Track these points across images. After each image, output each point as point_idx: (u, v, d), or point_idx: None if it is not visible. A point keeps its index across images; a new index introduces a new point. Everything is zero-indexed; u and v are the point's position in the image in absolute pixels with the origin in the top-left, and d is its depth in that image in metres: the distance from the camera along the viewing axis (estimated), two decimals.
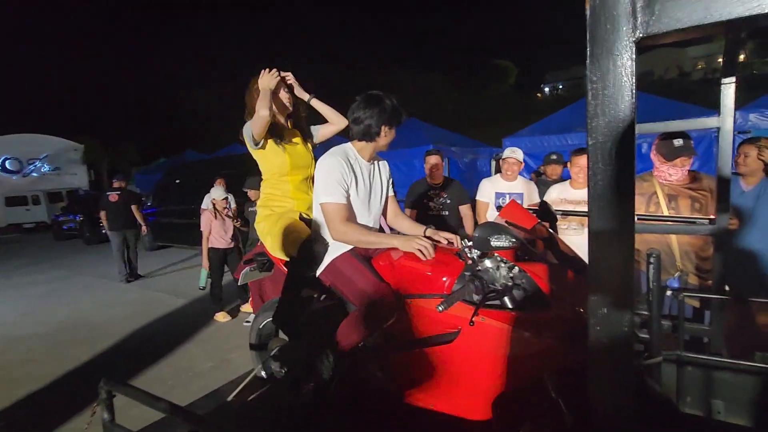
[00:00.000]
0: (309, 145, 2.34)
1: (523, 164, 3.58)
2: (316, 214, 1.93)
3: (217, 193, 4.64)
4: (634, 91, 0.52)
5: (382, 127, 1.82)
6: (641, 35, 0.50)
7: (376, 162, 2.03)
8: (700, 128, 2.06)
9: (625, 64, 0.52)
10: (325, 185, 1.80)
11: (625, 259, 0.58)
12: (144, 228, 7.01)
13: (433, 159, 3.72)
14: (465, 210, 3.77)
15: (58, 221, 13.38)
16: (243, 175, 4.91)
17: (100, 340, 4.15)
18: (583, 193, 2.98)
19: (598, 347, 0.65)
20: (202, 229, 4.61)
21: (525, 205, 3.37)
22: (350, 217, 1.86)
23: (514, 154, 3.49)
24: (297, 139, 2.26)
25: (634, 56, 0.51)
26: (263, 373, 2.40)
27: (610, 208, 0.55)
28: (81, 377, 3.43)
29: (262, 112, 1.94)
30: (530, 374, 1.44)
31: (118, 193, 6.75)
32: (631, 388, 0.74)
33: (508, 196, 3.47)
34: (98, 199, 7.65)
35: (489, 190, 3.58)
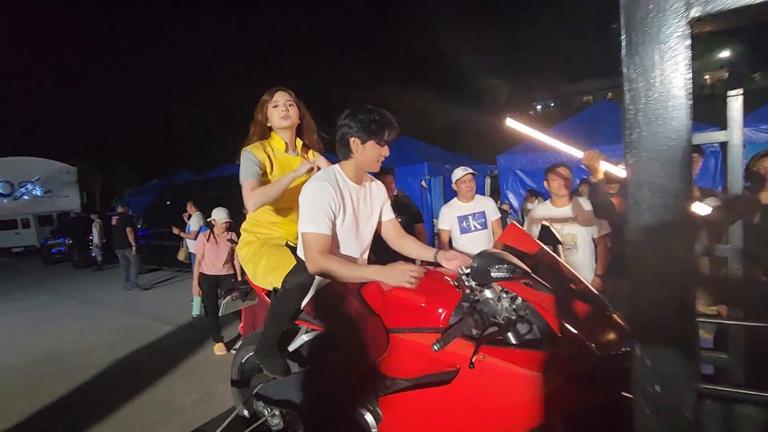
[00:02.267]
0: (308, 174, 2.19)
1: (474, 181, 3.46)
2: (300, 243, 1.78)
3: (218, 214, 4.32)
4: (690, 92, 0.39)
5: (351, 140, 1.68)
6: (698, 14, 0.37)
7: (368, 184, 1.88)
8: (707, 143, 1.95)
9: (676, 56, 0.38)
10: (309, 213, 1.65)
11: (686, 319, 0.43)
12: (134, 249, 7.86)
13: (388, 179, 3.59)
14: (419, 228, 3.66)
15: (47, 245, 13.10)
16: (232, 196, 4.76)
17: (79, 372, 3.91)
18: (566, 210, 2.88)
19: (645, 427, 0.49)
20: (194, 251, 4.34)
21: (489, 222, 3.30)
22: (332, 248, 1.71)
23: (467, 171, 3.36)
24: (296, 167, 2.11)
25: (689, 44, 0.38)
26: (246, 412, 2.21)
27: (661, 251, 0.41)
28: (55, 414, 3.20)
29: (271, 195, 1.85)
30: (538, 418, 1.28)
31: (117, 217, 8.15)
32: None
33: (470, 217, 3.34)
34: (90, 221, 8.66)
35: (449, 216, 3.41)
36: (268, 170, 2.00)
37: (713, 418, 1.76)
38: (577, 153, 2.10)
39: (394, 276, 1.56)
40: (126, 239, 7.75)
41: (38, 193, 22.09)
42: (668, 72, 0.39)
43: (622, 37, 0.40)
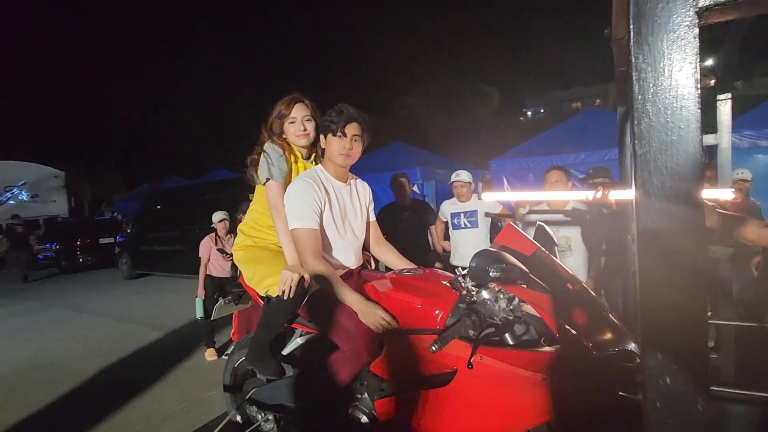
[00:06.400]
0: None
1: (473, 184, 3.72)
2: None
3: (216, 216, 4.33)
4: (698, 80, 0.39)
5: (320, 138, 1.80)
6: (706, 3, 0.37)
7: (353, 183, 1.92)
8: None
9: (684, 45, 0.39)
10: (295, 210, 1.68)
11: (698, 314, 0.43)
12: (34, 249, 11.11)
13: (403, 181, 4.02)
14: (432, 229, 4.05)
15: (34, 250, 12.84)
16: (224, 201, 4.74)
17: (64, 381, 3.81)
18: (559, 215, 2.93)
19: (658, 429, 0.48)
20: (200, 255, 4.29)
21: (480, 222, 3.51)
22: (324, 246, 1.75)
23: (457, 177, 3.63)
24: None
25: (696, 33, 0.39)
26: (238, 418, 2.17)
27: (673, 249, 0.41)
28: (39, 425, 3.11)
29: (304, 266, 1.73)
30: (536, 419, 1.28)
31: (23, 226, 10.94)
32: None
33: (462, 214, 3.62)
34: (80, 225, 9.71)
35: (446, 211, 3.77)
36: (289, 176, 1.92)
37: (722, 418, 1.77)
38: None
39: (369, 316, 1.51)
40: (24, 243, 10.57)
41: (24, 198, 21.72)
42: (677, 61, 0.39)
43: (631, 27, 0.41)
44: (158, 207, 9.66)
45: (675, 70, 0.40)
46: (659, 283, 0.44)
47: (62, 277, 10.93)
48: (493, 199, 3.49)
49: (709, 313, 2.06)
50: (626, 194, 1.76)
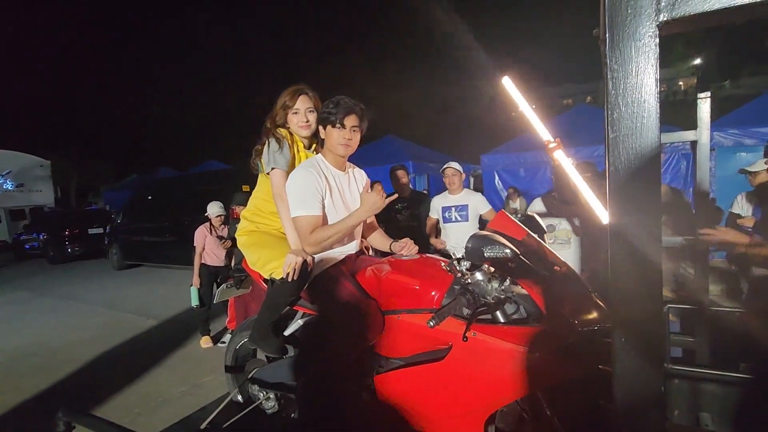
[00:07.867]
0: None
1: (464, 175, 3.76)
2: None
3: (213, 209, 4.40)
4: (658, 80, 0.49)
5: (319, 129, 1.85)
6: (665, 18, 0.47)
7: (351, 171, 1.99)
8: (678, 141, 2.12)
9: (648, 51, 0.49)
10: (298, 197, 1.74)
11: (653, 266, 0.53)
12: None
13: (400, 173, 4.06)
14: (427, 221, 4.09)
15: (20, 240, 12.70)
16: (217, 192, 4.79)
17: (60, 367, 3.85)
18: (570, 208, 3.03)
19: (623, 398, 0.58)
20: (195, 244, 4.36)
21: (471, 216, 3.55)
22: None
23: (449, 165, 3.66)
24: None
25: (657, 42, 0.49)
26: (240, 398, 2.25)
27: (634, 208, 0.51)
28: (39, 408, 3.16)
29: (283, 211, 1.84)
30: (524, 390, 1.38)
31: None
32: None
33: (453, 208, 3.63)
34: (68, 216, 9.28)
35: (436, 205, 3.76)
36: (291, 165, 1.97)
37: (681, 394, 1.91)
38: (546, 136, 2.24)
39: (373, 206, 1.71)
40: None
41: (9, 187, 21.29)
42: (642, 64, 0.50)
43: (606, 35, 0.51)
44: (149, 198, 9.62)
45: (640, 71, 0.50)
46: (625, 260, 0.54)
47: (51, 267, 10.84)
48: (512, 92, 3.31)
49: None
50: (567, 163, 1.89)
